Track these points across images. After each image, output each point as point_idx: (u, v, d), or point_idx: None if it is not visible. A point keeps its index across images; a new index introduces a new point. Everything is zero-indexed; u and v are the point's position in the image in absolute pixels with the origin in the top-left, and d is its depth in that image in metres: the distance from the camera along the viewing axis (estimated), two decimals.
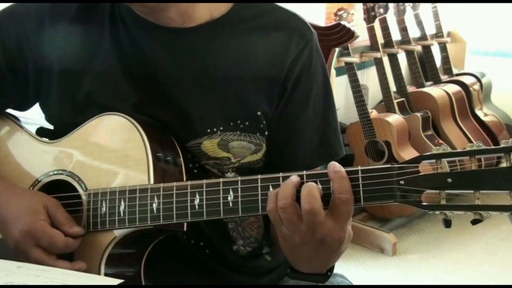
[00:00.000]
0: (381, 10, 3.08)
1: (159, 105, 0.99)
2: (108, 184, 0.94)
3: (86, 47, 1.01)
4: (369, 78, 3.26)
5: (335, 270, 1.14)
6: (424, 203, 0.77)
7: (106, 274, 0.92)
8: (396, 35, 3.29)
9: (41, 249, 0.90)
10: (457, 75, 3.64)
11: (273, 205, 0.81)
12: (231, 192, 0.86)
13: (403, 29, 3.34)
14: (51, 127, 1.11)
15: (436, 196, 0.76)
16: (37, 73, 1.04)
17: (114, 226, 0.93)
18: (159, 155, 0.93)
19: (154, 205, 0.90)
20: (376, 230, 2.90)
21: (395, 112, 3.08)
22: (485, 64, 3.83)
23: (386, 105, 3.12)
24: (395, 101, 3.11)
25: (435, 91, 3.31)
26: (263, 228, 1.09)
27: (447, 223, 0.77)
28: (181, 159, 0.97)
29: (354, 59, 2.91)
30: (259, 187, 0.84)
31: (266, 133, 1.01)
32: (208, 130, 0.98)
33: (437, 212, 0.76)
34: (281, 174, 0.84)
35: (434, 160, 0.76)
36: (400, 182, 0.78)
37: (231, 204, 0.86)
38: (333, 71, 2.66)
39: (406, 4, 3.34)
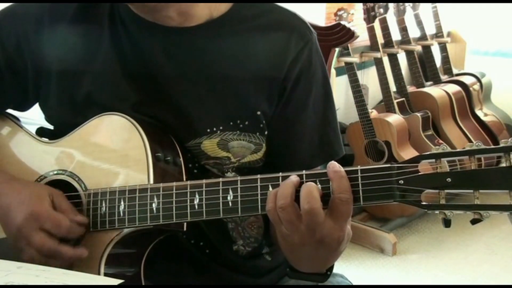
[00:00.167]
0: (381, 10, 3.08)
1: (158, 105, 0.99)
2: (107, 184, 0.94)
3: (85, 47, 1.01)
4: (369, 78, 3.27)
5: (335, 270, 1.14)
6: (424, 203, 0.77)
7: (106, 274, 0.92)
8: (396, 35, 3.29)
9: (45, 233, 0.90)
10: (457, 75, 3.64)
11: (272, 204, 0.81)
12: (230, 192, 0.86)
13: (403, 29, 3.34)
14: (51, 127, 1.11)
15: (436, 195, 0.76)
16: (37, 73, 1.04)
17: (114, 226, 0.93)
18: (158, 155, 0.93)
19: (154, 205, 0.90)
20: (376, 230, 2.90)
21: (395, 112, 3.08)
22: (485, 64, 3.83)
23: (386, 105, 3.12)
24: (395, 101, 3.11)
25: (435, 91, 3.31)
26: (263, 228, 1.09)
27: (447, 223, 0.77)
28: (181, 159, 0.97)
29: (354, 59, 2.91)
30: (259, 187, 0.84)
31: (266, 132, 1.01)
32: (208, 130, 0.98)
33: (437, 212, 0.76)
34: (280, 174, 0.84)
35: (433, 160, 0.76)
36: (400, 181, 0.78)
37: (230, 204, 0.86)
38: (333, 71, 2.66)
39: (406, 4, 3.34)
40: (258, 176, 0.85)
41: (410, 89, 3.35)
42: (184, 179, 0.95)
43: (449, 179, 0.75)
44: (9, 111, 1.12)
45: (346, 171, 0.80)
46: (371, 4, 3.02)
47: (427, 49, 3.51)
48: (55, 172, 1.00)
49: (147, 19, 0.98)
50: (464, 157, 0.75)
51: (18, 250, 0.93)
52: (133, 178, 0.93)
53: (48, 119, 1.09)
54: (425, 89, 3.33)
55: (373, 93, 3.24)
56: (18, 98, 1.09)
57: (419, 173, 0.77)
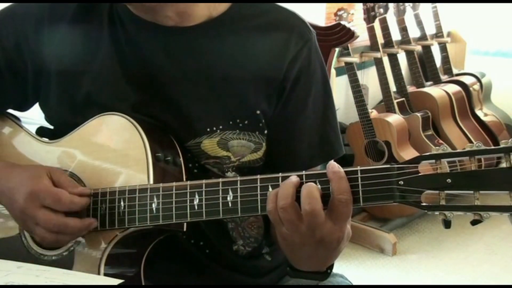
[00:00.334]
0: (381, 10, 3.08)
1: (158, 105, 0.99)
2: (107, 184, 0.94)
3: (85, 47, 1.01)
4: (369, 78, 3.26)
5: (335, 270, 1.14)
6: (424, 204, 0.77)
7: (106, 274, 0.92)
8: (396, 35, 3.29)
9: (48, 209, 0.90)
10: (457, 75, 3.64)
11: (273, 205, 0.81)
12: (230, 192, 0.86)
13: (403, 29, 3.34)
14: (51, 126, 1.11)
15: (436, 196, 0.76)
16: (36, 73, 1.04)
17: (114, 226, 0.93)
18: (158, 155, 0.93)
19: (154, 205, 0.90)
20: (376, 230, 2.90)
21: (395, 112, 3.08)
22: (485, 64, 3.83)
23: (386, 105, 3.12)
24: (395, 101, 3.11)
25: (435, 91, 3.31)
26: (263, 228, 1.09)
27: (447, 224, 0.76)
28: (181, 159, 0.97)
29: (354, 59, 2.91)
30: (258, 187, 0.84)
31: (266, 131, 1.01)
32: (208, 129, 0.98)
33: (437, 213, 0.76)
34: (280, 174, 0.84)
35: (433, 161, 0.76)
36: (400, 182, 0.78)
37: (230, 204, 0.86)
38: (333, 71, 2.66)
39: (406, 4, 3.34)
40: (258, 176, 0.85)
41: (410, 89, 3.35)
42: (184, 179, 0.95)
43: (449, 180, 0.75)
44: (10, 111, 1.12)
45: (345, 171, 0.80)
46: (371, 4, 3.02)
47: (427, 49, 3.51)
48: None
49: (146, 19, 0.98)
50: (464, 157, 0.75)
51: (29, 232, 0.95)
52: (133, 178, 0.93)
53: (48, 119, 1.09)
54: (425, 89, 3.33)
55: (373, 93, 3.24)
56: (18, 98, 1.09)
57: (419, 174, 0.77)
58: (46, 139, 1.05)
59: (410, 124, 3.08)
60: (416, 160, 0.78)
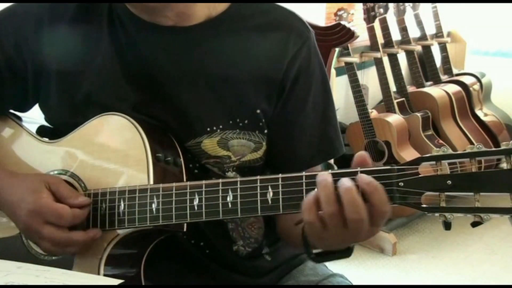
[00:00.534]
0: (381, 10, 3.08)
1: (158, 105, 0.99)
2: (107, 184, 0.94)
3: (84, 47, 1.01)
4: (369, 78, 3.26)
5: (335, 270, 1.15)
6: (424, 205, 0.77)
7: (105, 275, 0.92)
8: (396, 35, 3.29)
9: (51, 225, 0.90)
10: (457, 75, 3.64)
11: (314, 215, 0.79)
12: (230, 193, 0.86)
13: (403, 29, 3.34)
14: (51, 126, 1.11)
15: (436, 198, 0.76)
16: (36, 74, 1.04)
17: (114, 226, 0.93)
18: (159, 155, 0.93)
19: (154, 206, 0.90)
20: None
21: (395, 112, 3.08)
22: (485, 64, 3.83)
23: (386, 105, 3.12)
24: (395, 101, 3.11)
25: (435, 91, 3.31)
26: (263, 228, 1.09)
27: (447, 226, 0.76)
28: (181, 159, 0.97)
29: (354, 59, 2.91)
30: (258, 188, 0.84)
31: (266, 131, 1.01)
32: (208, 129, 0.98)
33: (437, 214, 0.76)
34: (280, 175, 0.84)
35: (434, 162, 0.76)
36: (400, 183, 0.77)
37: (230, 205, 0.86)
38: (333, 71, 2.66)
39: (406, 4, 3.33)
40: (258, 177, 0.85)
41: (410, 89, 3.35)
42: (185, 179, 0.95)
43: (449, 182, 0.75)
44: (10, 110, 1.12)
45: (346, 172, 0.80)
46: (371, 4, 3.02)
47: (427, 49, 3.51)
48: (56, 172, 1.00)
49: (146, 19, 0.98)
50: (464, 159, 0.75)
51: (34, 243, 0.95)
52: (133, 178, 0.93)
53: (48, 119, 1.09)
54: (425, 89, 3.33)
55: (373, 93, 3.24)
56: (18, 99, 1.09)
57: (419, 175, 0.76)
58: (46, 139, 1.05)
59: (410, 124, 3.08)
60: (416, 162, 0.77)
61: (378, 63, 3.09)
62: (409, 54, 3.38)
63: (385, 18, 3.13)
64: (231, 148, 1.00)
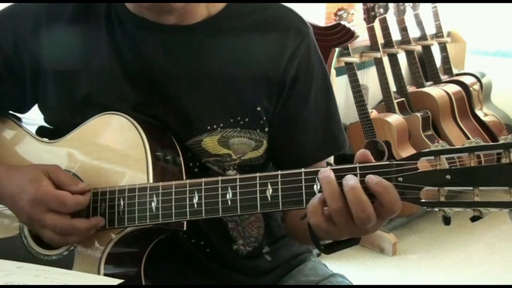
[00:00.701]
0: (381, 10, 3.08)
1: (158, 104, 0.99)
2: (107, 183, 0.94)
3: (83, 47, 1.01)
4: (369, 78, 3.26)
5: (335, 270, 1.15)
6: (423, 200, 0.77)
7: (106, 274, 0.92)
8: (396, 35, 3.29)
9: (54, 212, 0.90)
10: (457, 75, 3.64)
11: (321, 216, 0.80)
12: (229, 190, 0.86)
13: (403, 29, 3.34)
14: (51, 126, 1.11)
15: (435, 193, 0.76)
16: (34, 74, 1.03)
17: (114, 225, 0.93)
18: (158, 154, 0.93)
19: (153, 204, 0.90)
20: None
21: (395, 112, 3.08)
22: (485, 64, 3.83)
23: (386, 105, 3.12)
24: (395, 101, 3.11)
25: (435, 91, 3.31)
26: (264, 228, 1.09)
27: (446, 220, 0.76)
28: (181, 158, 0.97)
29: (354, 59, 2.91)
30: (258, 185, 0.84)
31: (266, 129, 1.01)
32: (208, 127, 0.99)
33: (436, 209, 0.76)
34: (279, 172, 0.84)
35: (432, 157, 0.76)
36: (399, 179, 0.78)
37: (229, 202, 0.86)
38: (333, 71, 2.66)
39: (406, 4, 3.33)
40: (257, 174, 0.85)
41: (410, 89, 3.35)
42: (184, 178, 0.95)
43: (448, 176, 0.75)
44: (9, 112, 1.12)
45: (345, 168, 0.80)
46: (371, 4, 3.02)
47: (427, 49, 3.51)
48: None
49: (149, 18, 0.98)
50: (463, 154, 0.75)
51: (37, 233, 0.95)
52: (133, 177, 0.93)
53: (47, 120, 1.09)
54: (425, 89, 3.33)
55: (373, 93, 3.24)
56: (17, 99, 1.08)
57: (418, 170, 0.77)
58: (46, 139, 1.05)
59: (410, 124, 3.08)
60: (415, 157, 0.77)
61: (378, 63, 3.09)
62: (409, 54, 3.38)
63: (385, 18, 3.13)
64: (232, 147, 1.00)
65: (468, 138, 3.27)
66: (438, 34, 3.60)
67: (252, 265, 1.09)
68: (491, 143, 0.73)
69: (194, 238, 1.03)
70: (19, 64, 1.04)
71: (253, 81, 0.99)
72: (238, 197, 0.85)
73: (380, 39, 3.14)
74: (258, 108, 1.00)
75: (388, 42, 3.19)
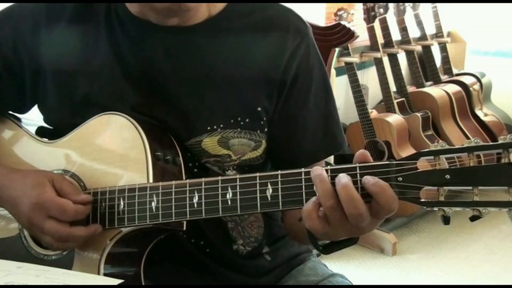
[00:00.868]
0: (381, 10, 3.08)
1: (158, 105, 0.99)
2: (107, 183, 0.94)
3: (82, 48, 1.01)
4: (369, 78, 3.26)
5: (335, 270, 1.15)
6: (423, 200, 0.77)
7: (105, 274, 0.92)
8: (396, 35, 3.29)
9: (54, 219, 0.90)
10: (457, 75, 3.64)
11: (315, 219, 0.80)
12: (229, 190, 0.86)
13: (403, 29, 3.34)
14: (50, 127, 1.11)
15: (435, 192, 0.76)
16: (34, 75, 1.04)
17: (114, 225, 0.93)
18: (158, 154, 0.93)
19: (153, 204, 0.90)
20: (376, 230, 2.87)
21: (395, 112, 3.08)
22: (485, 64, 3.83)
23: (386, 105, 3.12)
24: (395, 101, 3.11)
25: (435, 91, 3.31)
26: (263, 228, 1.09)
27: (446, 220, 0.76)
28: (180, 158, 0.97)
29: (354, 59, 2.91)
30: (258, 185, 0.84)
31: (266, 129, 1.01)
32: (208, 128, 0.99)
33: (436, 209, 0.76)
34: (279, 172, 0.84)
35: (432, 157, 0.76)
36: (399, 178, 0.78)
37: (229, 202, 0.86)
38: (333, 71, 2.66)
39: (406, 4, 3.34)
40: (257, 174, 0.85)
41: (410, 89, 3.35)
42: (184, 178, 0.95)
43: (447, 176, 0.75)
44: (9, 112, 1.12)
45: (345, 168, 0.80)
46: (371, 4, 3.02)
47: (427, 49, 3.51)
48: (55, 172, 1.00)
49: (152, 20, 0.98)
50: (463, 154, 0.75)
51: (36, 238, 0.95)
52: (133, 177, 0.93)
53: (46, 120, 1.09)
54: (425, 89, 3.33)
55: (373, 93, 3.24)
56: (17, 100, 1.08)
57: (418, 170, 0.77)
58: (45, 139, 1.05)
59: (410, 124, 3.08)
60: (414, 157, 0.78)
61: (378, 63, 3.09)
62: (409, 54, 3.39)
63: (385, 18, 3.13)
64: (232, 147, 1.00)
65: (468, 138, 3.26)
66: (438, 34, 3.60)
67: (252, 265, 1.09)
68: (491, 143, 0.74)
69: (194, 238, 1.03)
70: (19, 64, 1.04)
71: (253, 81, 0.99)
72: (238, 197, 0.85)
73: (380, 39, 3.14)
74: (259, 109, 1.00)
75: (388, 42, 3.19)
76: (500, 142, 0.73)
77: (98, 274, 0.92)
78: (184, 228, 0.92)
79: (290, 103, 1.01)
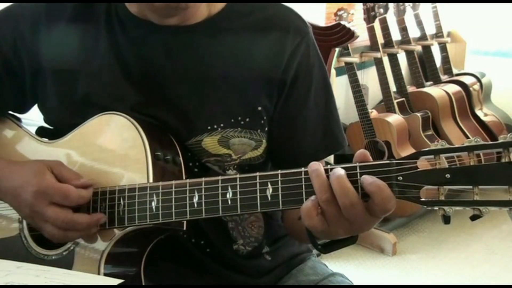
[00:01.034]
0: (381, 10, 3.08)
1: (159, 105, 0.99)
2: (107, 183, 0.94)
3: (83, 47, 1.01)
4: (369, 78, 3.26)
5: (335, 270, 1.14)
6: (423, 199, 0.77)
7: (105, 274, 0.92)
8: (396, 35, 3.29)
9: (56, 205, 0.90)
10: (457, 75, 3.65)
11: (314, 218, 0.80)
12: (229, 190, 0.86)
13: (403, 29, 3.34)
14: (50, 127, 1.11)
15: (435, 192, 0.76)
16: (34, 75, 1.04)
17: (114, 225, 0.93)
18: (158, 154, 0.93)
19: (153, 204, 0.90)
20: (376, 230, 2.89)
21: (395, 112, 3.08)
22: (485, 64, 3.83)
23: (386, 105, 3.12)
24: (395, 101, 3.11)
25: (435, 91, 3.31)
26: (264, 228, 1.09)
27: (446, 219, 0.76)
28: (180, 158, 0.97)
29: (354, 59, 2.91)
30: (258, 184, 0.84)
31: (266, 129, 1.01)
32: (209, 127, 0.99)
33: (436, 208, 0.76)
34: (279, 171, 0.84)
35: (432, 156, 0.76)
36: (399, 178, 0.78)
37: (230, 202, 0.86)
38: (333, 71, 2.66)
39: (406, 4, 3.34)
40: (257, 173, 0.85)
41: (410, 89, 3.35)
42: (184, 178, 0.95)
43: (448, 175, 0.75)
44: (9, 112, 1.12)
45: (345, 167, 0.80)
46: (371, 4, 3.03)
47: (427, 49, 3.51)
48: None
49: (147, 19, 0.98)
50: (463, 153, 0.75)
51: (38, 229, 0.95)
52: (133, 177, 0.93)
53: (47, 120, 1.09)
54: (425, 89, 3.33)
55: (373, 93, 3.24)
56: (17, 100, 1.09)
57: (418, 169, 0.77)
58: (46, 139, 1.05)
59: (410, 124, 3.08)
60: (415, 156, 0.78)
61: (378, 63, 3.09)
62: (409, 54, 3.39)
63: (385, 18, 3.13)
64: (232, 147, 1.00)
65: (468, 138, 3.27)
66: (438, 34, 3.60)
67: (252, 265, 1.09)
68: (491, 142, 0.74)
69: (194, 238, 1.03)
70: (19, 64, 1.04)
71: (253, 80, 0.99)
72: (238, 196, 0.85)
73: (380, 39, 3.14)
74: (259, 108, 1.00)
75: (388, 42, 3.19)
76: (500, 141, 0.73)
77: (98, 274, 0.92)
78: (184, 228, 0.92)
79: (290, 103, 1.01)
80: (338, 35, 1.53)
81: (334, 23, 1.60)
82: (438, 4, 3.58)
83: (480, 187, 0.74)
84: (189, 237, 1.03)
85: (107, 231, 0.93)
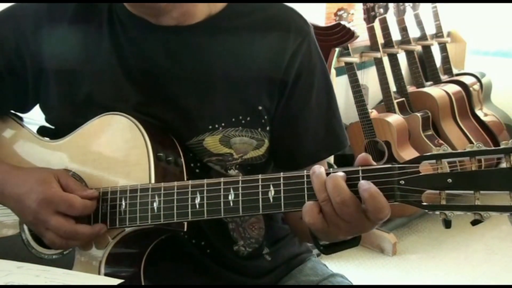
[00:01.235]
0: (381, 10, 3.08)
1: (160, 104, 0.99)
2: (109, 183, 0.95)
3: (84, 48, 1.01)
4: (369, 78, 3.26)
5: (335, 270, 1.15)
6: (424, 203, 0.77)
7: (106, 274, 0.92)
8: (396, 35, 3.29)
9: (60, 215, 0.91)
10: (457, 75, 3.65)
11: (315, 216, 0.81)
12: (232, 191, 0.86)
13: (403, 29, 3.34)
14: (52, 126, 1.11)
15: (437, 196, 0.76)
16: (36, 74, 1.04)
17: (115, 225, 0.93)
18: (160, 155, 0.93)
19: (155, 204, 0.90)
20: (376, 230, 2.88)
21: (395, 112, 3.08)
22: (485, 64, 3.84)
23: (386, 105, 3.12)
24: (395, 101, 3.11)
25: (435, 91, 3.31)
26: (264, 229, 1.09)
27: (447, 224, 0.77)
28: (182, 159, 0.97)
29: (354, 59, 2.91)
30: (260, 186, 0.85)
31: (268, 128, 1.01)
32: (210, 127, 0.99)
33: (437, 212, 0.76)
34: (282, 174, 0.84)
35: (434, 161, 0.76)
36: (401, 182, 0.78)
37: (231, 204, 0.86)
38: (333, 71, 2.65)
39: (406, 4, 3.34)
40: (259, 175, 0.85)
41: (410, 89, 3.35)
42: (185, 179, 0.95)
43: (449, 180, 0.75)
44: (11, 111, 1.12)
45: (347, 171, 0.80)
46: (371, 4, 3.03)
47: (427, 49, 3.51)
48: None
49: (149, 19, 0.98)
50: (464, 158, 0.75)
51: (39, 235, 0.95)
52: (135, 178, 0.93)
53: (48, 120, 1.09)
54: (425, 89, 3.33)
55: (373, 93, 3.24)
56: (19, 99, 1.09)
57: (420, 174, 0.77)
58: (47, 139, 1.05)
59: (410, 124, 3.08)
60: (417, 160, 0.78)
61: (378, 63, 3.09)
62: (409, 54, 3.39)
63: (385, 18, 3.13)
64: (233, 146, 1.00)
65: (468, 138, 3.28)
66: (438, 34, 3.60)
67: (252, 265, 1.09)
68: (493, 148, 0.74)
69: (194, 238, 1.03)
70: (21, 64, 1.04)
71: (254, 80, 0.99)
72: (240, 198, 0.86)
73: (380, 39, 3.14)
74: (260, 107, 1.00)
75: (388, 42, 3.19)
76: (502, 147, 0.73)
77: (99, 274, 0.92)
78: (185, 229, 0.92)
79: (291, 103, 1.01)
80: (338, 35, 1.53)
81: (334, 23, 1.60)
82: (438, 4, 3.58)
83: (481, 192, 0.74)
84: (190, 237, 1.03)
85: (108, 232, 0.93)
